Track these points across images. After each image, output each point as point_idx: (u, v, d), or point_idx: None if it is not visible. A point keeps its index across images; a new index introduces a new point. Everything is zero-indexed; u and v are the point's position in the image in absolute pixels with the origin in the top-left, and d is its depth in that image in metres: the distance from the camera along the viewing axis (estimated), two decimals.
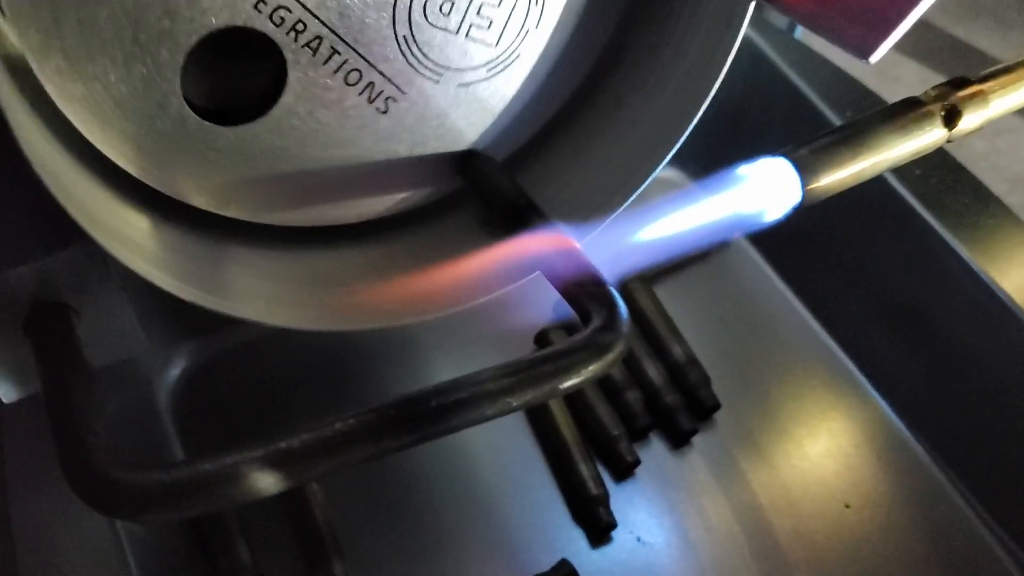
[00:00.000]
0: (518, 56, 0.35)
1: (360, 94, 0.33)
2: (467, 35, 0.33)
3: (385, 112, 0.33)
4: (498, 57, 0.34)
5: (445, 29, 0.33)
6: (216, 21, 0.29)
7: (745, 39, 0.34)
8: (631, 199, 0.35)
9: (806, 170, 0.34)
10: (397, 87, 0.33)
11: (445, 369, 0.47)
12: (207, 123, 0.31)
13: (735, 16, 0.33)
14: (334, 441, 0.24)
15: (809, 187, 0.34)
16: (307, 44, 0.31)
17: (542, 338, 0.47)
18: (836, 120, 0.48)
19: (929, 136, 0.36)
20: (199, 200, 0.32)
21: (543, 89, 0.36)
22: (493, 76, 0.35)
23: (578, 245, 0.32)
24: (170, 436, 0.45)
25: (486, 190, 0.35)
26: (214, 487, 0.23)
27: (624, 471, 0.45)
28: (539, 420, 0.46)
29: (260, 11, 0.29)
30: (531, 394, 0.27)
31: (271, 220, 0.34)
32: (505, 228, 0.34)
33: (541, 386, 0.27)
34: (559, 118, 0.37)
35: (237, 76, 0.31)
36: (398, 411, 0.25)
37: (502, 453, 0.46)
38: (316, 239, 0.35)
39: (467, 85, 0.34)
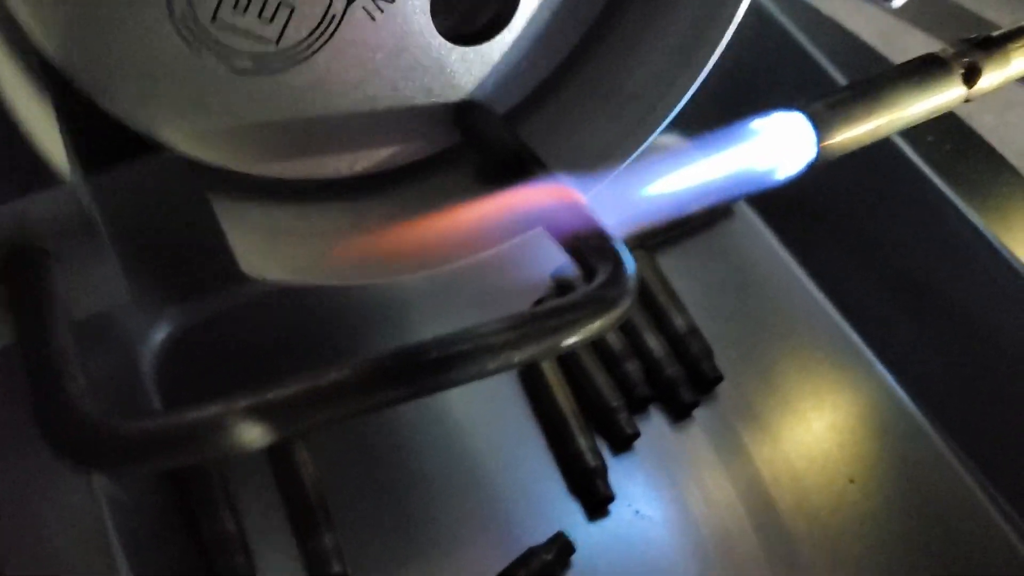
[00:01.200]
0: None
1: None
2: None
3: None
4: None
5: None
6: None
7: (754, 2, 0.33)
8: (638, 151, 0.34)
9: (821, 125, 0.32)
10: None
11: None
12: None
13: None
14: (327, 391, 0.23)
15: (824, 143, 0.33)
16: None
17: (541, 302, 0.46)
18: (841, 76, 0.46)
19: (948, 94, 0.34)
20: (184, 145, 0.31)
21: (545, 35, 0.34)
22: None
23: (582, 198, 0.30)
24: (154, 403, 0.44)
25: (485, 142, 0.34)
26: (202, 435, 0.21)
27: (623, 443, 0.44)
28: (535, 389, 0.44)
29: None
30: (534, 348, 0.25)
31: (258, 171, 0.32)
32: (505, 181, 0.32)
33: (544, 341, 0.25)
34: (562, 68, 0.36)
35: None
36: (396, 362, 0.24)
37: (497, 423, 0.45)
38: (306, 193, 0.34)
39: None
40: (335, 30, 0.30)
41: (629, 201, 0.31)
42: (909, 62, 0.35)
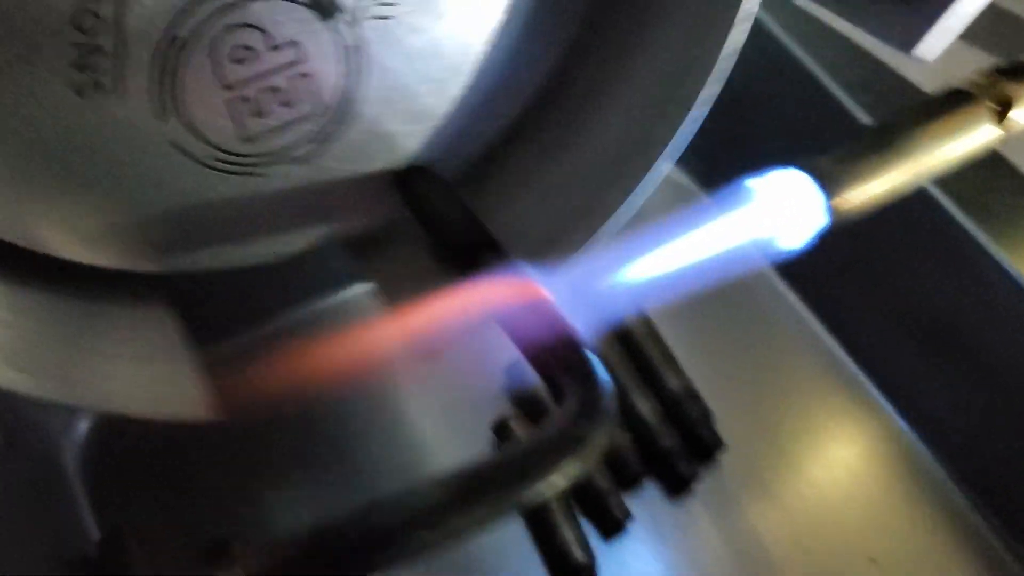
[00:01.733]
0: None
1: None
2: None
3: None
4: None
5: None
6: None
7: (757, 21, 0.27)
8: (607, 226, 0.28)
9: (830, 184, 0.27)
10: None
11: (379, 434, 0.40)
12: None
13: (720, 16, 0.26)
14: None
15: (836, 206, 0.27)
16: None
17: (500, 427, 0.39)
18: (856, 106, 0.40)
19: (978, 135, 0.29)
20: (66, 249, 0.26)
21: (497, 87, 0.29)
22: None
23: (545, 292, 0.25)
24: (79, 501, 0.38)
25: (431, 215, 0.28)
26: None
27: (613, 529, 0.39)
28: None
29: None
30: (484, 512, 0.20)
31: (161, 267, 0.27)
32: (454, 261, 0.27)
33: (498, 501, 0.20)
34: (517, 125, 0.30)
35: None
36: (312, 546, 0.19)
37: None
38: (215, 288, 0.28)
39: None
40: None
41: (602, 290, 0.26)
42: (930, 100, 0.30)
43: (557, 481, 0.21)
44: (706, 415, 0.41)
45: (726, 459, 0.41)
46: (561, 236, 0.29)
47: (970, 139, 0.29)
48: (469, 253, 0.27)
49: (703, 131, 0.29)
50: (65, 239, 0.25)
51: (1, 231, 0.24)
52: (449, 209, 0.28)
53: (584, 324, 0.24)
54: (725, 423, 0.42)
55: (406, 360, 0.27)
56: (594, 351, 0.23)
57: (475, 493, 0.20)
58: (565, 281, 0.26)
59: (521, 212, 0.30)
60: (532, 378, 0.25)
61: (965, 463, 0.41)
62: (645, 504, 0.40)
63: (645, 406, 0.41)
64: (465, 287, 0.25)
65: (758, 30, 0.40)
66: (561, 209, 0.29)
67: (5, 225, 0.24)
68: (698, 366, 0.43)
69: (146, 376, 0.26)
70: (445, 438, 0.40)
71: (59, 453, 0.39)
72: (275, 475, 0.37)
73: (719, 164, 0.46)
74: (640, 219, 0.31)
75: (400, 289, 0.29)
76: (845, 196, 0.27)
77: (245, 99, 0.25)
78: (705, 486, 0.41)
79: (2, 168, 0.24)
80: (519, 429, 0.38)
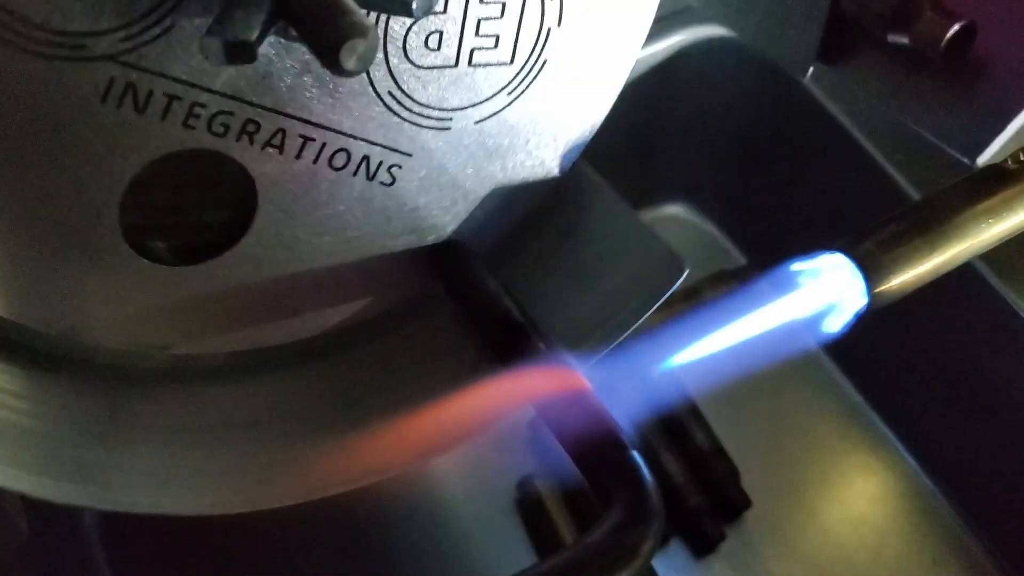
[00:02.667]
0: (544, 63, 0.27)
1: (354, 175, 0.25)
2: (470, 63, 0.26)
3: (392, 184, 0.26)
4: (518, 75, 0.27)
5: (438, 66, 0.25)
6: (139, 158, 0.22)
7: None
8: (646, 315, 0.28)
9: (872, 270, 0.27)
10: (399, 151, 0.26)
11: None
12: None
13: None
14: None
15: (876, 290, 0.27)
16: (268, 143, 0.24)
17: (527, 488, 0.39)
18: (879, 153, 0.40)
19: (1020, 213, 0.29)
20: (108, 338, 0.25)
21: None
22: (517, 99, 0.27)
23: (587, 383, 0.25)
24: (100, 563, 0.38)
25: (466, 292, 0.28)
26: None
27: None
28: (536, 527, 0.39)
29: (194, 127, 0.22)
30: None
31: (191, 348, 0.27)
32: (492, 347, 0.27)
33: None
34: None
35: (197, 203, 0.25)
36: None
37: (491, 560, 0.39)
38: (242, 372, 0.28)
39: (485, 120, 0.27)
40: None
41: (646, 379, 0.26)
42: (967, 178, 0.29)
43: None
44: (733, 473, 0.41)
45: (752, 518, 0.41)
46: (601, 321, 0.28)
47: (1012, 217, 0.28)
48: (507, 337, 0.26)
49: (719, 172, 0.29)
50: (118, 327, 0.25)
51: (47, 322, 0.24)
52: (484, 286, 0.28)
53: (627, 415, 0.24)
54: (748, 477, 0.41)
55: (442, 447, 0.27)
56: (638, 448, 0.23)
57: None
58: (607, 371, 0.26)
59: (551, 295, 0.29)
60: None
61: (992, 523, 0.40)
62: (671, 564, 0.40)
63: (673, 464, 0.40)
64: (508, 377, 0.25)
65: (804, 97, 0.40)
66: (592, 293, 0.29)
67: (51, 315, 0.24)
68: (720, 419, 0.42)
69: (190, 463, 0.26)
70: (470, 495, 0.39)
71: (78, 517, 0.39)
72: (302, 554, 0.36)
73: (760, 228, 0.46)
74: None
75: (434, 368, 0.29)
76: (888, 283, 0.27)
77: None
78: (731, 545, 0.40)
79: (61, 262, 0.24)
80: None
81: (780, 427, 0.44)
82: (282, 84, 0.23)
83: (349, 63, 0.19)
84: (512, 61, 0.26)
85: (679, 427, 0.41)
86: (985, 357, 0.40)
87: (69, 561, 0.37)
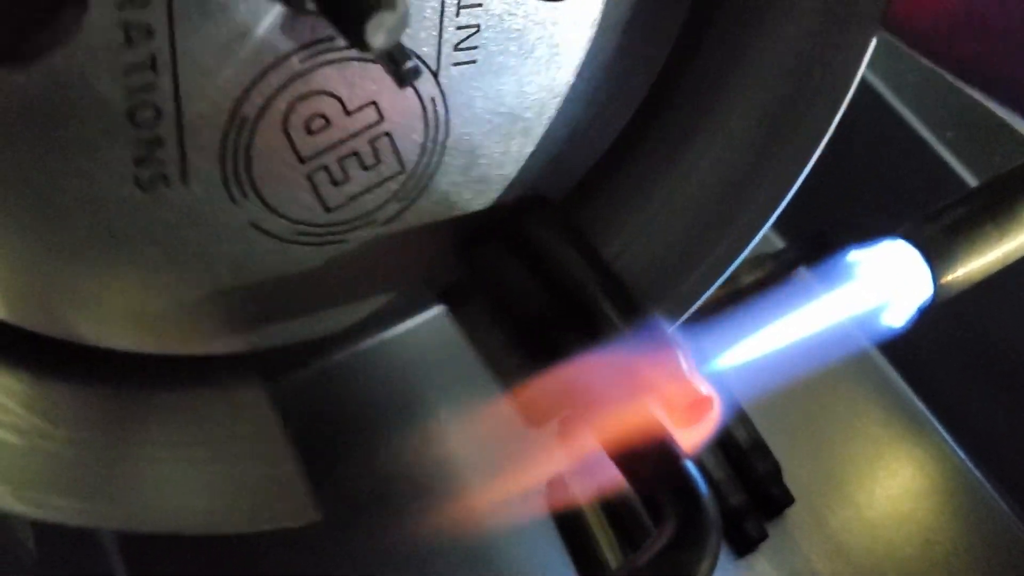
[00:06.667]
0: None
1: None
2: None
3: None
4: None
5: None
6: None
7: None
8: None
9: (937, 257, 0.25)
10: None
11: None
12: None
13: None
14: None
15: (943, 280, 0.25)
16: None
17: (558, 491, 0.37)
18: (960, 163, 0.37)
19: None
20: (120, 340, 0.23)
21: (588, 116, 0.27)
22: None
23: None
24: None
25: (503, 290, 0.26)
26: None
27: None
28: (573, 534, 0.37)
29: None
30: None
31: (231, 348, 0.25)
32: (525, 344, 0.25)
33: None
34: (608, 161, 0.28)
35: None
36: None
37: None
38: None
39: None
40: None
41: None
42: None
43: None
44: (776, 469, 0.39)
45: (791, 509, 0.39)
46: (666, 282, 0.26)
47: None
48: (544, 335, 0.25)
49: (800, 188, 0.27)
50: (128, 328, 0.23)
51: (59, 327, 0.22)
52: (522, 283, 0.26)
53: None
54: (789, 472, 0.39)
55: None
56: (693, 461, 0.21)
57: None
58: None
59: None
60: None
61: None
62: None
63: (711, 460, 0.38)
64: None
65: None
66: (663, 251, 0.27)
67: (63, 320, 0.22)
68: (757, 412, 0.40)
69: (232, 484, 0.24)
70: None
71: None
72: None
73: (798, 208, 0.44)
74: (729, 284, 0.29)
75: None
76: (955, 272, 0.25)
77: (323, 168, 0.23)
78: (773, 544, 0.38)
79: (61, 258, 0.22)
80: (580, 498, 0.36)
81: (821, 420, 0.42)
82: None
83: (377, 39, 0.17)
84: None
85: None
86: None
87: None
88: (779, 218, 0.46)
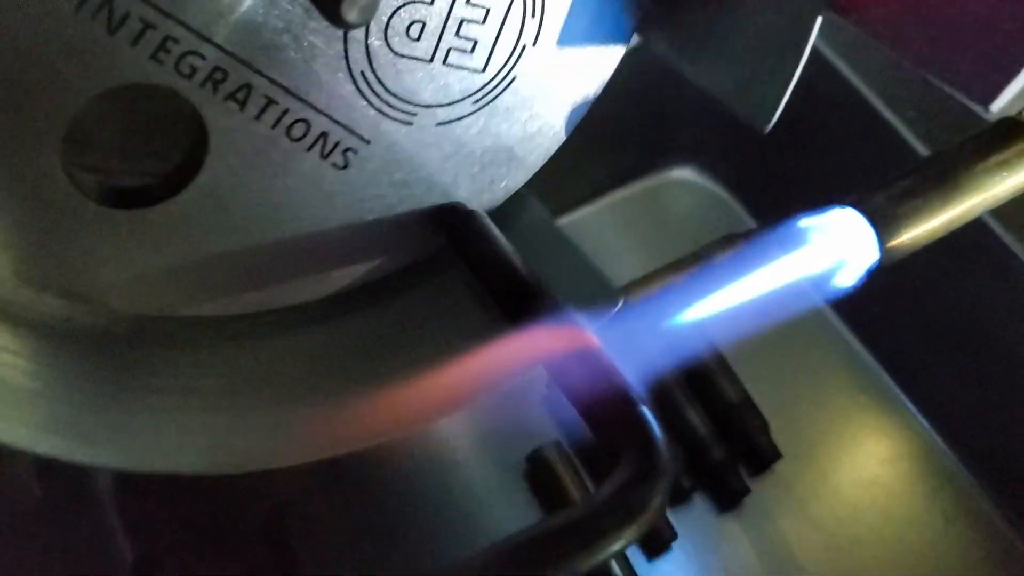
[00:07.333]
0: (513, 79, 0.27)
1: (309, 150, 0.25)
2: (444, 62, 0.26)
3: (344, 167, 0.26)
4: (486, 85, 0.27)
5: (415, 57, 0.25)
6: (100, 83, 0.22)
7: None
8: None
9: (884, 224, 0.27)
10: (358, 136, 0.26)
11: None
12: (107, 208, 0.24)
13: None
14: None
15: (889, 245, 0.27)
16: (231, 96, 0.23)
17: (538, 459, 0.39)
18: (911, 134, 0.39)
19: None
20: (108, 297, 0.25)
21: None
22: (480, 109, 0.27)
23: (596, 341, 0.24)
24: (113, 524, 0.38)
25: (476, 259, 0.28)
26: None
27: (658, 548, 0.38)
28: (548, 492, 0.39)
29: (162, 61, 0.22)
30: None
31: (202, 310, 0.27)
32: (503, 307, 0.27)
33: (556, 571, 0.20)
34: None
35: (142, 146, 0.24)
36: None
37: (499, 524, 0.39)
38: (255, 332, 0.28)
39: (447, 123, 0.27)
40: None
41: (653, 336, 0.26)
42: (981, 131, 0.29)
43: (614, 548, 0.20)
44: (764, 425, 0.40)
45: (781, 470, 0.41)
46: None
47: None
48: (516, 296, 0.26)
49: (728, 135, 0.28)
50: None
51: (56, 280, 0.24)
52: (494, 250, 0.27)
53: (638, 373, 0.24)
54: (780, 436, 0.41)
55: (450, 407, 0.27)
56: (648, 405, 0.23)
57: (530, 564, 0.20)
58: (617, 328, 0.26)
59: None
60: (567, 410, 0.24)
61: (1004, 483, 0.40)
62: (692, 520, 0.39)
63: (696, 417, 0.40)
64: (516, 336, 0.25)
65: (814, 58, 0.40)
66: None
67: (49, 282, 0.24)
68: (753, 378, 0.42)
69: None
70: (481, 465, 0.39)
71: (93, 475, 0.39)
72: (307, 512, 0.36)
73: (770, 191, 0.46)
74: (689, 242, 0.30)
75: (442, 329, 0.29)
76: (900, 237, 0.26)
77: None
78: (757, 499, 0.40)
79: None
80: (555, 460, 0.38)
81: (789, 390, 0.43)
82: (260, 39, 0.23)
83: (351, 14, 0.19)
84: (484, 70, 0.26)
85: (708, 381, 0.41)
86: (997, 315, 0.40)
87: (83, 526, 0.37)
88: (750, 199, 0.48)
